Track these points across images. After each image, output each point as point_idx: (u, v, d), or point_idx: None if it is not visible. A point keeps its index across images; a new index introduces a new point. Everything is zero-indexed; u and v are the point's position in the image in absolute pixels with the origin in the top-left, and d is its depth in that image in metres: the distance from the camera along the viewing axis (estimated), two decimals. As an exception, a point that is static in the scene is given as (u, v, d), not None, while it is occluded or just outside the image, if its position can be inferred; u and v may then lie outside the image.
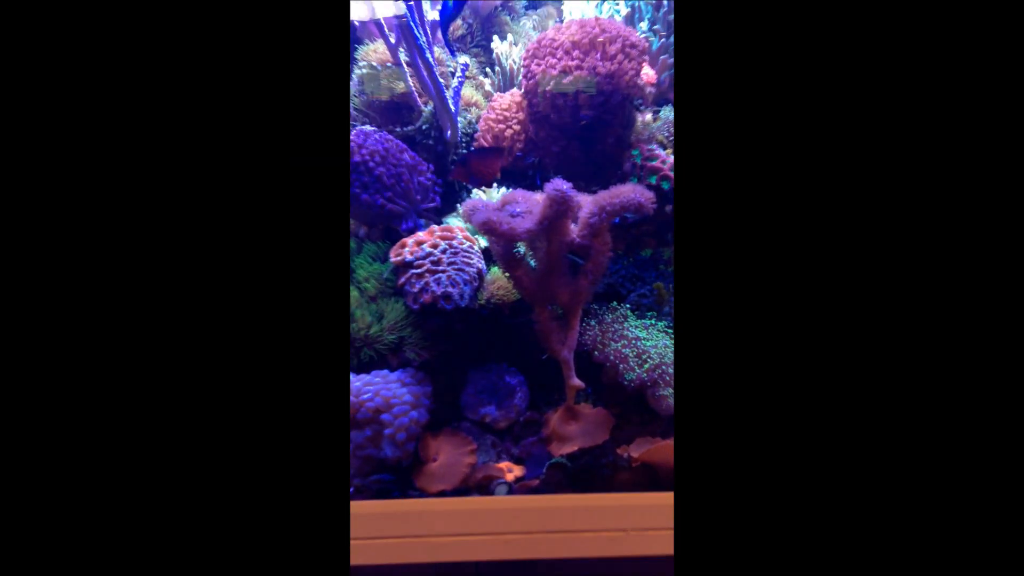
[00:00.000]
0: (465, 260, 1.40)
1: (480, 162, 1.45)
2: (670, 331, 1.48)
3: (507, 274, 1.34)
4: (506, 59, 1.63)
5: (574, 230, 1.36)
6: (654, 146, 1.56)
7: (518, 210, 1.31)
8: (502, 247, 1.32)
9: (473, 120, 1.59)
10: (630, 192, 1.32)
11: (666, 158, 1.54)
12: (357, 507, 1.11)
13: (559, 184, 1.26)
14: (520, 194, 1.35)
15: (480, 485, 1.38)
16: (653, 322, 1.49)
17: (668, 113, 1.64)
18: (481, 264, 1.42)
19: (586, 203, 1.36)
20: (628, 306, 1.50)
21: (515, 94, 1.55)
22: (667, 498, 0.96)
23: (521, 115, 1.53)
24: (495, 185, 1.54)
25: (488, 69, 1.70)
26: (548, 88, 1.40)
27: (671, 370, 1.41)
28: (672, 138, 1.58)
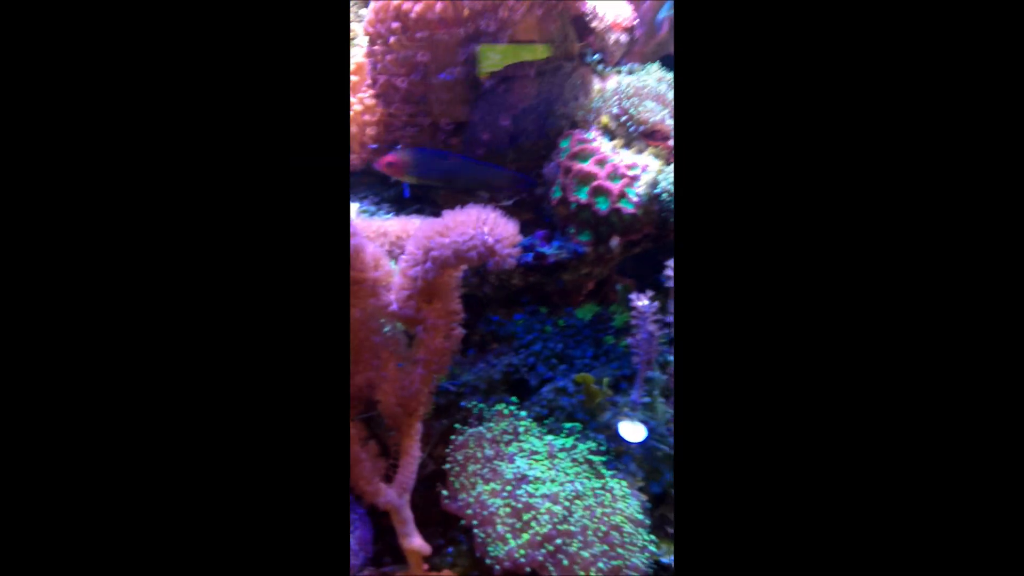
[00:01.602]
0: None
1: None
2: (600, 464, 0.83)
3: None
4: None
5: (397, 286, 0.77)
6: (592, 135, 0.90)
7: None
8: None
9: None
10: (471, 223, 0.70)
11: (606, 157, 0.87)
12: None
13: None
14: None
15: None
16: (571, 443, 0.85)
17: (638, 76, 0.96)
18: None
19: (408, 242, 0.76)
20: (526, 414, 0.86)
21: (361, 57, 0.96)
22: None
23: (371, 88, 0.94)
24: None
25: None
26: (392, 35, 0.81)
27: (582, 546, 0.77)
28: (632, 118, 0.90)
